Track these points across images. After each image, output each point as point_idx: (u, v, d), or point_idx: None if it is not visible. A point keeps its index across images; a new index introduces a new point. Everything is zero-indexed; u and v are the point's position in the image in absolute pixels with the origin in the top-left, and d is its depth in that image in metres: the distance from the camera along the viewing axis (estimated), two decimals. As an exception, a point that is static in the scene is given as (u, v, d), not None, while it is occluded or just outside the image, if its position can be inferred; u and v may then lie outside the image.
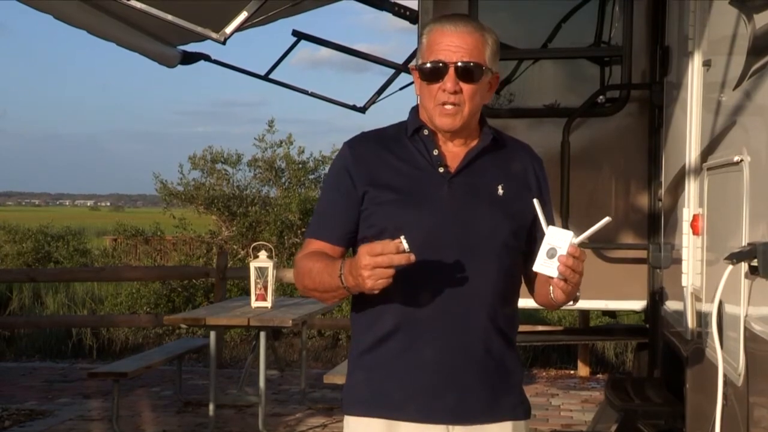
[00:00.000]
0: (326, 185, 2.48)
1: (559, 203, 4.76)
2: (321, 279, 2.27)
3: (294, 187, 14.70)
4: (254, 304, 6.32)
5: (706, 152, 3.52)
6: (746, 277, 2.60)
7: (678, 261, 3.92)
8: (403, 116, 2.45)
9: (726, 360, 2.77)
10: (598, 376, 8.40)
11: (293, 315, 6.12)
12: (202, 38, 5.65)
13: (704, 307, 3.35)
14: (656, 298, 4.90)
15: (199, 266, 12.09)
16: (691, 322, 3.62)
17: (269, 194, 14.98)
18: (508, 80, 5.34)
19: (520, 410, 2.38)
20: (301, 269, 2.36)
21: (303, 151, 15.00)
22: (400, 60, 7.05)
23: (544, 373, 8.55)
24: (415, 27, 5.95)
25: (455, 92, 2.26)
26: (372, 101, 7.26)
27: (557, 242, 2.10)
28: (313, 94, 7.65)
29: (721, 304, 2.82)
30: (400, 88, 7.16)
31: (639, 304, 5.21)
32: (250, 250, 6.79)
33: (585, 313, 7.71)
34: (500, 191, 2.32)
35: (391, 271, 2.06)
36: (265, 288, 6.29)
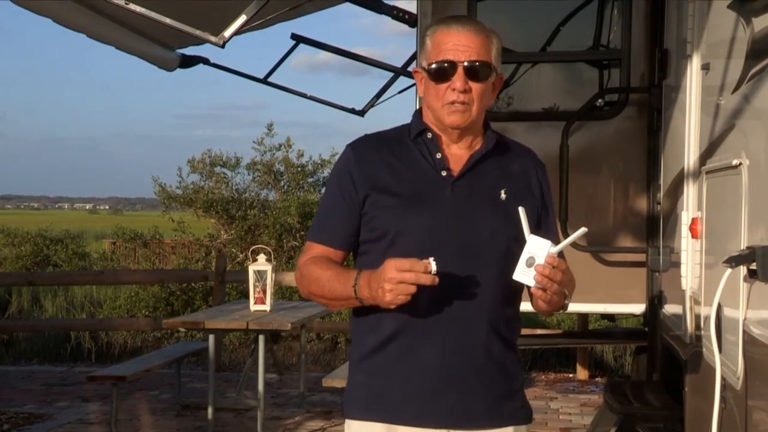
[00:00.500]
0: (328, 188, 2.46)
1: (558, 207, 4.76)
2: (331, 287, 2.27)
3: (293, 190, 14.71)
4: (253, 307, 6.32)
5: (705, 155, 3.52)
6: (745, 280, 2.60)
7: (677, 264, 3.92)
8: (402, 119, 2.45)
9: (725, 363, 2.77)
10: (597, 379, 8.39)
11: (292, 318, 6.11)
12: (201, 41, 5.66)
13: (703, 310, 3.35)
14: (655, 301, 4.89)
15: (197, 269, 12.08)
16: (689, 325, 3.62)
17: (268, 197, 15.00)
18: (507, 83, 5.34)
19: (522, 415, 2.38)
20: (307, 275, 2.35)
21: (302, 155, 15.04)
22: (398, 63, 7.06)
23: (542, 377, 8.55)
24: (414, 30, 5.95)
25: (465, 91, 2.25)
26: (371, 104, 7.26)
27: (536, 251, 2.10)
28: (312, 98, 7.66)
29: (719, 307, 2.81)
30: (399, 92, 7.17)
31: (638, 308, 5.21)
32: (249, 254, 6.78)
33: (584, 317, 7.71)
34: (503, 195, 2.31)
35: (413, 289, 2.07)
36: (264, 291, 6.28)
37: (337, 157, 3.15)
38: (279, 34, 8.67)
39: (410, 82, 6.70)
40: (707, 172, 3.42)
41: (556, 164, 4.85)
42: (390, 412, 2.29)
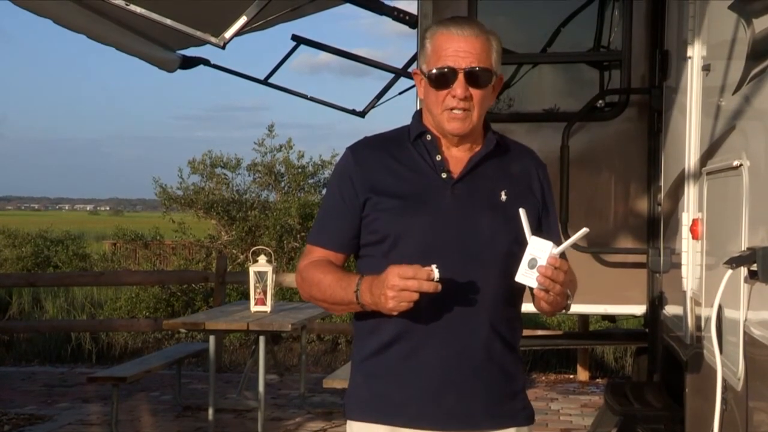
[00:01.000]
0: (328, 191, 2.46)
1: (558, 208, 4.75)
2: (333, 292, 2.27)
3: (293, 191, 14.70)
4: (253, 308, 6.32)
5: (706, 156, 3.52)
6: (746, 281, 2.60)
7: (677, 265, 3.92)
8: (402, 120, 2.44)
9: (725, 364, 2.77)
10: (597, 380, 8.39)
11: (292, 319, 6.11)
12: (201, 43, 5.66)
13: (704, 311, 3.35)
14: (656, 302, 4.89)
15: (198, 271, 12.07)
16: (690, 326, 3.62)
17: (269, 199, 14.97)
18: (508, 85, 5.33)
19: (523, 416, 2.38)
20: (308, 279, 2.35)
21: (302, 156, 15.01)
22: (399, 64, 7.05)
23: (543, 378, 8.55)
24: (414, 31, 5.94)
25: (465, 98, 2.25)
26: (371, 105, 7.26)
27: (538, 252, 2.09)
28: (312, 99, 7.66)
29: (720, 308, 2.81)
30: (400, 93, 7.17)
31: (638, 309, 5.20)
32: (250, 255, 6.78)
33: (584, 318, 7.71)
34: (503, 197, 2.31)
35: (415, 296, 2.07)
36: (265, 292, 6.28)
37: (337, 158, 3.15)
38: (279, 36, 8.69)
39: (411, 83, 6.70)
40: (708, 173, 3.42)
41: (556, 165, 4.85)
42: (391, 413, 2.29)
